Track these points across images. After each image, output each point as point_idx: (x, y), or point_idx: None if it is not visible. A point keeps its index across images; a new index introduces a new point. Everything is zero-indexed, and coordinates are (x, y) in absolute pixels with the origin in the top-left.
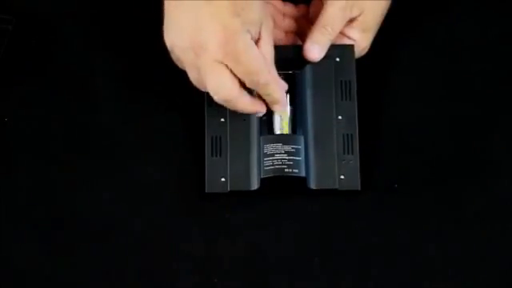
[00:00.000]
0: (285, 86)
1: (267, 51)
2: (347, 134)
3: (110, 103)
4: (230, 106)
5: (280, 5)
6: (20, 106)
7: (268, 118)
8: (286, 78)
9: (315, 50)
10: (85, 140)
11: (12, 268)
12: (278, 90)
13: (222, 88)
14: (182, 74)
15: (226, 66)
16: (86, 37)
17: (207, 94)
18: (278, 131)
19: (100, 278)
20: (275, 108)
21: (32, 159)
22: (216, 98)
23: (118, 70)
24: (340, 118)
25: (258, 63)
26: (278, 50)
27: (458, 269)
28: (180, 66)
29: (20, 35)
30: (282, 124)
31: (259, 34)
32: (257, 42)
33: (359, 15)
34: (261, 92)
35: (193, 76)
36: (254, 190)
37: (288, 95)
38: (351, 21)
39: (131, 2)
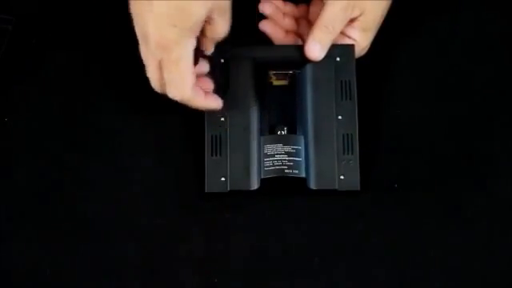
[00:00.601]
0: (203, 95)
1: (220, 30)
2: (347, 134)
3: (110, 103)
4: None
5: (280, 4)
6: (20, 105)
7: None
8: (286, 77)
9: (316, 50)
10: (85, 140)
11: (12, 268)
12: (200, 102)
13: (152, 80)
14: None
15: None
16: (85, 37)
17: None
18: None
19: (100, 277)
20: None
21: (32, 159)
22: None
23: (118, 69)
24: (340, 117)
25: (182, 81)
26: (279, 49)
27: (458, 269)
28: None
29: (20, 35)
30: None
31: (211, 19)
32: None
33: (360, 15)
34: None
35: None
36: (254, 190)
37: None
38: (352, 20)
39: None
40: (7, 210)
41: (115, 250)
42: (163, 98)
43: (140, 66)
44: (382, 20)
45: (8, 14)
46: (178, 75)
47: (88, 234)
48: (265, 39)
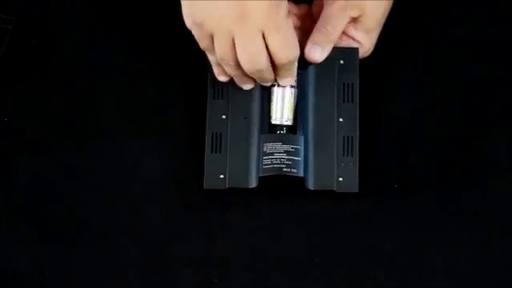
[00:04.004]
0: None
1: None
2: (348, 137)
3: (110, 103)
4: (257, 75)
5: None
6: (20, 105)
7: (271, 111)
8: None
9: (316, 52)
10: (85, 140)
11: (12, 268)
12: (296, 65)
13: (257, 57)
14: (183, 72)
15: (263, 36)
16: (85, 37)
17: (210, 90)
18: (279, 120)
19: (100, 277)
20: (287, 82)
21: (32, 159)
22: (248, 67)
23: (118, 69)
24: (341, 120)
25: (294, 37)
26: None
27: (458, 269)
28: (203, 44)
29: (20, 35)
30: (288, 113)
31: None
32: None
33: (360, 15)
34: (284, 70)
35: (223, 47)
36: (254, 190)
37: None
38: (354, 21)
39: (131, 2)
40: (7, 209)
41: (115, 249)
42: (164, 96)
43: (140, 65)
44: (383, 20)
45: (8, 14)
46: (289, 32)
47: (88, 234)
48: None
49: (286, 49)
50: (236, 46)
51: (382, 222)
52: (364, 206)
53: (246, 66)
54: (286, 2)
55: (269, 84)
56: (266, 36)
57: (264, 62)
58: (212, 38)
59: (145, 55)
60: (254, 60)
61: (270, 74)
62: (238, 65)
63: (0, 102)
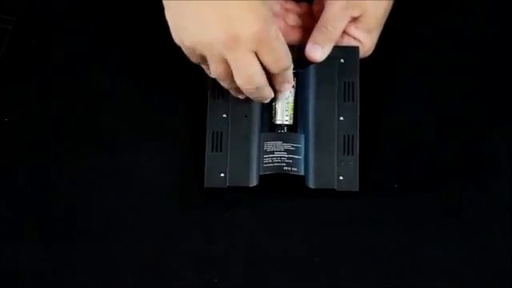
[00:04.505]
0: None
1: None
2: (348, 135)
3: (110, 103)
4: (255, 94)
5: (282, 2)
6: (20, 105)
7: (271, 110)
8: None
9: (317, 51)
10: (85, 140)
11: (12, 268)
12: (292, 71)
13: (255, 77)
14: (183, 71)
15: (256, 54)
16: (85, 37)
17: (211, 90)
18: (280, 120)
19: (100, 277)
20: (285, 87)
21: (32, 159)
22: (247, 87)
23: (118, 69)
24: (342, 118)
25: (285, 48)
26: None
27: (457, 269)
28: (195, 61)
29: (20, 35)
30: (287, 112)
31: None
32: None
33: (361, 15)
34: (280, 77)
35: (218, 70)
36: (255, 190)
37: (293, 90)
38: (355, 21)
39: (131, 2)
40: (7, 209)
41: (115, 249)
42: (164, 96)
43: (140, 65)
44: (384, 20)
45: (8, 14)
46: (281, 47)
47: (88, 234)
48: None
49: (279, 62)
50: (232, 68)
51: (381, 222)
52: (364, 206)
53: (245, 86)
54: (274, 20)
55: (267, 101)
56: (259, 55)
57: (262, 80)
58: (204, 57)
59: (145, 55)
60: (251, 80)
61: (269, 92)
62: (233, 81)
63: (0, 102)
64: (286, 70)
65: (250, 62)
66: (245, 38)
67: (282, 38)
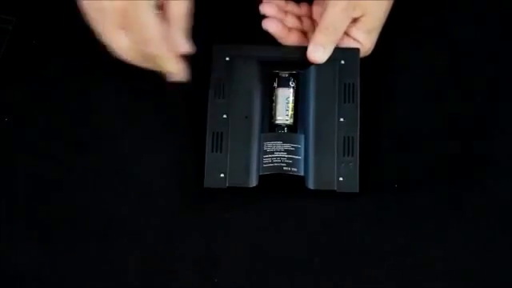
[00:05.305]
0: (180, 62)
1: (179, 9)
2: (348, 137)
3: (110, 103)
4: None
5: (282, 3)
6: (20, 106)
7: (272, 111)
8: (290, 76)
9: (319, 53)
10: (85, 140)
11: (12, 268)
12: (169, 64)
13: (124, 53)
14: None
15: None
16: (85, 37)
17: (211, 90)
18: (280, 120)
19: (100, 277)
20: (170, 78)
21: (32, 159)
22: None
23: (118, 68)
24: (342, 120)
25: (152, 33)
26: (283, 50)
27: (458, 269)
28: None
29: (20, 35)
30: (287, 112)
31: None
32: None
33: (362, 16)
34: (154, 63)
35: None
36: (254, 190)
37: (292, 91)
38: (355, 21)
39: None
40: (7, 209)
41: (115, 249)
42: (164, 95)
43: (140, 66)
44: (384, 20)
45: (8, 14)
46: (145, 30)
47: (88, 234)
48: (269, 39)
49: (143, 45)
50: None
51: (381, 222)
52: (364, 206)
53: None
54: (148, 2)
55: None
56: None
57: (130, 58)
58: None
59: None
60: (122, 55)
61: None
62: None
63: (0, 102)
64: (154, 55)
65: (116, 38)
66: (109, 12)
67: (151, 21)
